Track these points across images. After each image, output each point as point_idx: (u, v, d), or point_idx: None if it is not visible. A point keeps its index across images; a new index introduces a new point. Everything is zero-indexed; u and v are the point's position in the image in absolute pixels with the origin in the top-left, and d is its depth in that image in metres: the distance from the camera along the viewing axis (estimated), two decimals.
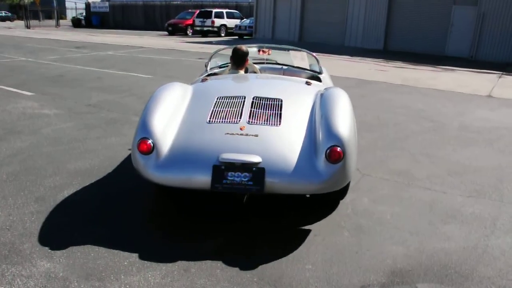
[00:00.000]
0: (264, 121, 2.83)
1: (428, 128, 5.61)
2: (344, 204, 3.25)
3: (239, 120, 2.81)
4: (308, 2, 21.19)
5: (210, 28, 25.81)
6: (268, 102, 3.03)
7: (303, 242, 2.67)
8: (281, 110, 2.94)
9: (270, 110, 2.95)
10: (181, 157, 2.61)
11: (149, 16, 35.39)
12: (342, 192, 3.15)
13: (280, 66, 4.76)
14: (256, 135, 2.68)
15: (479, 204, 3.37)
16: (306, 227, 2.86)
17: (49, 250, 2.48)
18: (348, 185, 3.12)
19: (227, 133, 2.69)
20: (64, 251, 2.48)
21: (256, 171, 2.49)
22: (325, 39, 20.31)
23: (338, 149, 2.54)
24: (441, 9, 16.83)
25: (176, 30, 26.95)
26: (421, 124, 5.80)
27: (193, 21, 26.55)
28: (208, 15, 25.97)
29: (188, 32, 26.80)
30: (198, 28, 26.12)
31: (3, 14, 46.64)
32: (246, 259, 2.46)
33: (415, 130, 5.50)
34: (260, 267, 2.38)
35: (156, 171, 2.60)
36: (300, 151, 2.63)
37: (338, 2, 19.85)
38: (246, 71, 4.18)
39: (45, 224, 2.79)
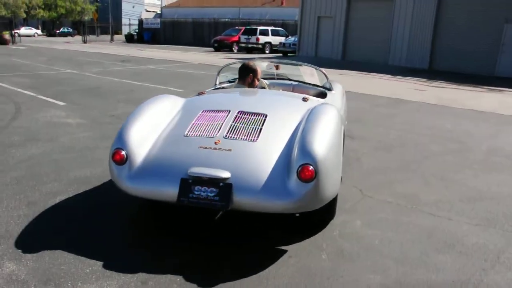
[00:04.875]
0: (243, 136, 2.76)
1: (451, 150, 5.27)
2: (333, 225, 3.07)
3: (217, 134, 2.75)
4: (351, 20, 20.97)
5: (254, 45, 26.25)
6: (251, 117, 2.96)
7: (274, 263, 2.54)
8: (262, 126, 2.86)
9: (252, 125, 2.87)
10: (152, 168, 2.59)
11: (197, 33, 36.60)
12: (329, 213, 3.00)
13: (290, 82, 4.68)
14: (230, 150, 2.61)
15: (487, 233, 3.07)
16: (284, 248, 2.73)
17: (21, 253, 2.53)
18: (334, 205, 2.97)
19: (201, 147, 2.65)
20: (34, 254, 2.52)
21: (223, 187, 2.42)
22: (368, 57, 19.94)
23: (310, 167, 2.41)
24: (491, 28, 16.01)
25: (222, 47, 27.60)
26: (444, 145, 5.46)
27: (239, 38, 27.11)
28: (253, 32, 26.44)
29: (233, 48, 27.33)
30: (243, 45, 26.65)
31: (65, 30, 50.17)
32: (208, 277, 2.37)
33: (436, 151, 5.17)
34: (219, 285, 2.28)
35: (128, 181, 2.60)
36: (273, 168, 2.52)
37: (382, 21, 19.47)
38: (252, 86, 4.14)
39: (27, 227, 2.86)
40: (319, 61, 18.39)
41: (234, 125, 2.84)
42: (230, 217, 3.09)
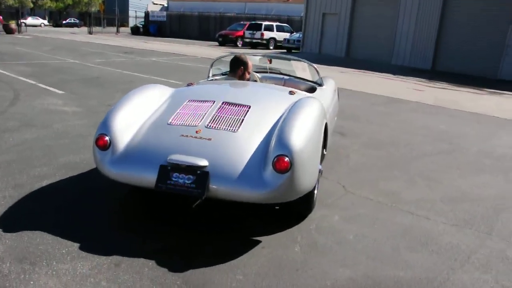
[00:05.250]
0: (225, 126, 2.81)
1: (441, 150, 5.30)
2: (311, 219, 3.13)
3: (199, 123, 2.82)
4: (356, 17, 20.94)
5: (259, 41, 26.27)
6: (235, 108, 3.02)
7: (247, 252, 2.60)
8: (244, 117, 2.91)
9: (235, 116, 2.93)
10: (133, 154, 2.66)
11: (203, 27, 36.64)
12: (307, 206, 3.05)
13: (281, 76, 4.73)
14: (209, 139, 2.67)
15: (462, 234, 3.11)
16: (258, 238, 2.79)
17: (1, 232, 2.61)
18: (312, 198, 3.02)
19: (182, 135, 2.71)
20: (14, 234, 2.60)
21: (200, 175, 2.48)
22: (372, 56, 19.91)
23: (286, 159, 2.47)
24: (496, 29, 15.86)
25: (226, 41, 27.62)
26: (435, 146, 5.49)
27: (244, 33, 27.11)
28: (258, 27, 26.45)
29: (238, 43, 27.34)
30: (247, 40, 26.68)
31: (72, 21, 50.30)
32: (180, 263, 2.44)
33: (426, 151, 5.21)
34: (189, 271, 2.35)
35: (110, 166, 2.67)
36: (250, 158, 2.58)
37: (387, 19, 19.42)
38: (242, 79, 4.18)
39: (11, 208, 2.94)
40: (323, 58, 18.38)
41: (217, 115, 2.90)
42: (210, 205, 3.16)
